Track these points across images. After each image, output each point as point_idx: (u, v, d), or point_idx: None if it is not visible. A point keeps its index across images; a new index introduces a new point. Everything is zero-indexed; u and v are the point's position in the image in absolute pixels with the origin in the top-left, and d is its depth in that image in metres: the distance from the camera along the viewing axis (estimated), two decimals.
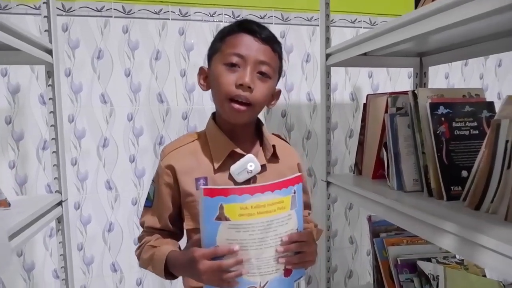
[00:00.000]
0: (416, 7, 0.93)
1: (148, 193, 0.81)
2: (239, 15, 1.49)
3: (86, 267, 1.43)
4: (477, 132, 0.83)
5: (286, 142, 0.88)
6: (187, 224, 0.75)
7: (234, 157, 0.75)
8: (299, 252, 0.66)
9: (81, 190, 1.41)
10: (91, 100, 1.39)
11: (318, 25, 1.56)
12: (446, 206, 0.75)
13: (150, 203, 0.79)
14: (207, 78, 0.79)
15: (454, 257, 0.99)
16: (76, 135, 1.39)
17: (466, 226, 0.62)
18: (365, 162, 1.07)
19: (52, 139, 0.92)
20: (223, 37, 0.75)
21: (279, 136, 0.87)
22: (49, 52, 0.88)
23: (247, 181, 0.75)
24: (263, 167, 0.77)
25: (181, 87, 1.46)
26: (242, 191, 0.61)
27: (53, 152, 0.92)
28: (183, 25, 1.45)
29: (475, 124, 0.83)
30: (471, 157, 0.81)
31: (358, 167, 1.10)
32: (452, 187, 0.79)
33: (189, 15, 1.46)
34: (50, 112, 0.91)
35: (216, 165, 0.74)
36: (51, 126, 0.91)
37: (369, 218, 1.07)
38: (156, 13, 1.42)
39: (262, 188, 0.62)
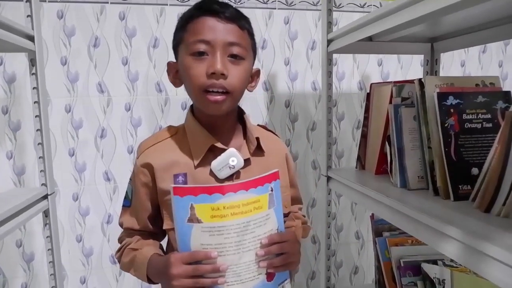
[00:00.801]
0: None
1: (126, 192, 0.76)
2: (240, 1, 1.42)
3: (85, 259, 1.42)
4: (490, 125, 0.75)
5: (273, 133, 0.82)
6: (166, 224, 0.70)
7: (215, 151, 0.69)
8: (281, 253, 0.61)
9: (79, 181, 1.38)
10: (88, 89, 1.36)
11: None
12: (453, 207, 0.68)
13: (128, 203, 0.75)
14: (177, 72, 0.73)
15: None
16: (73, 125, 1.36)
17: (472, 232, 0.55)
18: (368, 156, 1.00)
19: (37, 130, 0.88)
20: (183, 25, 0.68)
21: (264, 127, 0.80)
22: (31, 39, 0.84)
23: (230, 177, 0.69)
24: (247, 161, 0.71)
25: None
26: (212, 190, 0.56)
27: (39, 143, 0.89)
28: (182, 11, 1.39)
29: (488, 116, 0.75)
30: (483, 153, 0.73)
31: (361, 162, 1.03)
32: (460, 186, 0.72)
33: (188, 0, 1.39)
34: (34, 102, 0.87)
35: (196, 161, 0.69)
36: (35, 116, 0.88)
37: (372, 216, 1.00)
38: None
39: (234, 187, 0.56)
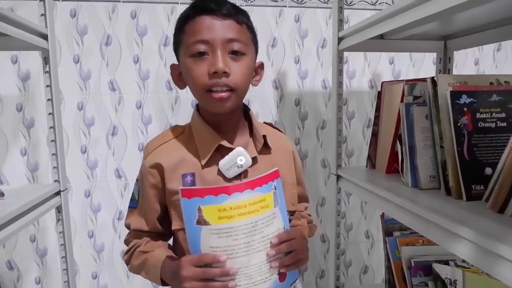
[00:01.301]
0: None
1: (133, 193, 0.76)
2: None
3: (97, 254, 1.44)
4: (505, 124, 0.73)
5: (279, 130, 0.81)
6: (175, 224, 0.69)
7: (222, 151, 0.69)
8: (290, 251, 0.60)
9: (91, 178, 1.40)
10: (100, 87, 1.37)
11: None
12: (466, 208, 0.67)
13: (135, 204, 0.74)
14: (181, 75, 0.72)
15: None
16: (85, 122, 1.38)
17: (486, 232, 0.54)
18: (379, 155, 0.99)
19: (50, 127, 0.90)
20: (181, 26, 0.68)
21: (271, 125, 0.80)
22: (45, 37, 0.85)
23: (238, 176, 0.69)
24: (254, 160, 0.71)
25: None
26: (218, 191, 0.55)
27: (52, 141, 0.90)
28: None
29: (503, 115, 0.74)
30: (497, 153, 0.72)
31: (371, 160, 1.02)
32: (473, 186, 0.71)
33: None
34: (48, 100, 0.88)
35: (203, 161, 0.69)
36: (49, 114, 0.89)
37: (382, 215, 1.00)
38: None
39: (241, 187, 0.56)
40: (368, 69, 1.51)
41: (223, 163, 0.68)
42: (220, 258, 0.55)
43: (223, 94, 0.65)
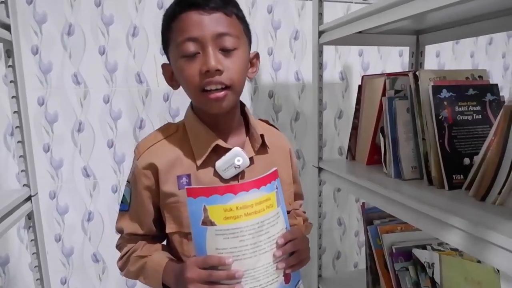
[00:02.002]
0: None
1: (124, 195, 0.72)
2: None
3: (65, 259, 1.36)
4: (480, 117, 0.78)
5: (275, 127, 0.81)
6: (169, 228, 0.67)
7: (218, 151, 0.67)
8: (293, 252, 0.61)
9: (55, 178, 1.31)
10: (63, 81, 1.28)
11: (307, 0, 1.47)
12: (449, 196, 0.71)
13: (127, 207, 0.71)
14: (173, 74, 0.69)
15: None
16: (47, 119, 1.28)
17: (475, 221, 0.57)
18: (359, 147, 1.01)
19: (16, 127, 0.82)
20: (168, 24, 0.64)
21: (267, 122, 0.79)
22: (7, 28, 0.77)
23: (235, 177, 0.67)
24: (251, 160, 0.69)
25: None
26: (223, 190, 0.53)
27: (18, 142, 0.82)
28: None
29: (478, 108, 0.78)
30: (474, 144, 0.77)
31: (351, 152, 1.05)
32: (454, 176, 0.75)
33: None
34: (12, 97, 0.80)
35: (199, 162, 0.66)
36: (14, 112, 0.81)
37: (362, 205, 1.03)
38: None
39: (247, 186, 0.54)
40: (339, 61, 1.54)
41: (220, 164, 0.66)
42: (226, 260, 0.54)
43: (219, 94, 0.62)
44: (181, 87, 0.69)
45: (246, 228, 0.54)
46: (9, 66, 0.79)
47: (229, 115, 0.69)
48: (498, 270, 0.91)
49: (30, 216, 0.84)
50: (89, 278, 1.38)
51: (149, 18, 1.33)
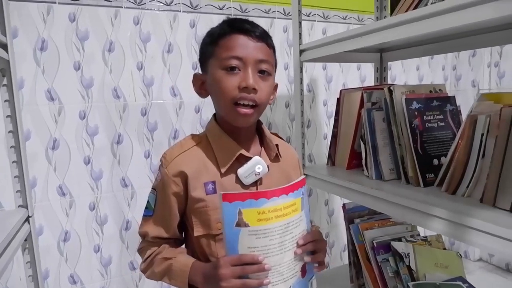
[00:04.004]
0: (392, 11, 1.01)
1: (148, 201, 0.76)
2: (197, 5, 1.44)
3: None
4: (443, 124, 0.93)
5: (283, 140, 0.89)
6: (197, 231, 0.71)
7: (239, 159, 0.73)
8: (313, 252, 0.68)
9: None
10: (36, 97, 1.24)
11: (275, 18, 1.57)
12: (425, 192, 0.83)
13: (151, 213, 0.74)
14: (203, 84, 0.75)
15: (419, 235, 1.10)
16: None
17: (453, 210, 0.69)
18: (339, 153, 1.12)
19: (11, 147, 0.80)
20: (214, 40, 0.72)
21: (276, 135, 0.87)
22: (4, 47, 0.76)
23: (254, 183, 0.74)
24: (267, 168, 0.76)
25: (139, 81, 1.37)
26: (258, 195, 0.60)
27: (13, 162, 0.80)
28: (137, 14, 1.35)
29: (441, 117, 0.93)
30: (440, 147, 0.91)
31: (331, 159, 1.15)
32: (427, 175, 0.88)
33: (144, 3, 1.36)
34: (7, 116, 0.78)
35: (223, 169, 0.72)
36: (8, 132, 0.79)
37: (344, 206, 1.13)
38: (107, 0, 1.29)
39: (278, 192, 0.62)
40: (306, 75, 1.66)
41: (242, 171, 0.72)
42: (258, 258, 0.60)
43: (248, 111, 0.69)
44: (209, 96, 0.76)
45: (275, 229, 0.61)
46: (4, 85, 0.77)
47: (250, 128, 0.76)
48: (460, 255, 1.06)
49: (27, 238, 0.82)
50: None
51: (125, 33, 1.33)
